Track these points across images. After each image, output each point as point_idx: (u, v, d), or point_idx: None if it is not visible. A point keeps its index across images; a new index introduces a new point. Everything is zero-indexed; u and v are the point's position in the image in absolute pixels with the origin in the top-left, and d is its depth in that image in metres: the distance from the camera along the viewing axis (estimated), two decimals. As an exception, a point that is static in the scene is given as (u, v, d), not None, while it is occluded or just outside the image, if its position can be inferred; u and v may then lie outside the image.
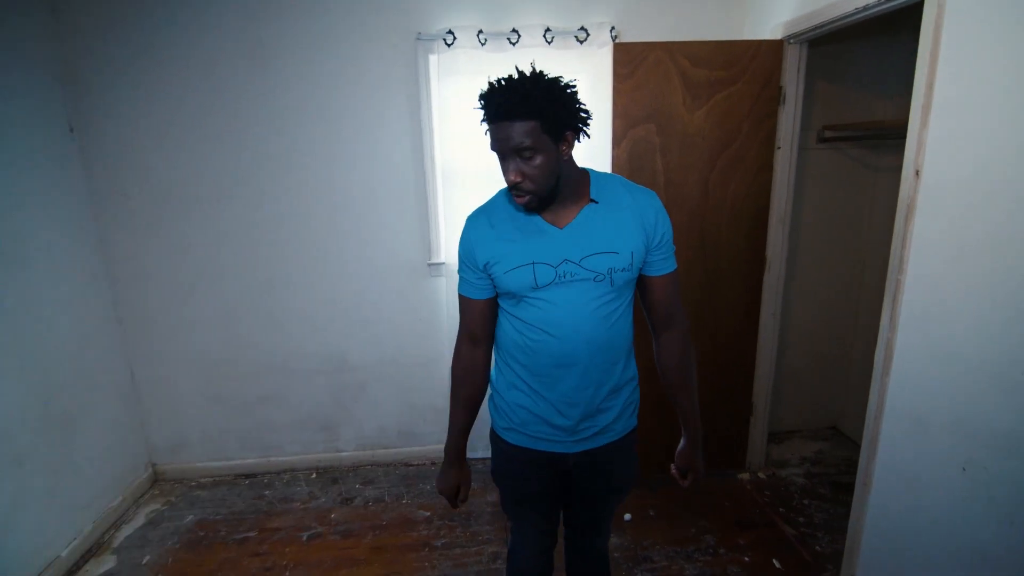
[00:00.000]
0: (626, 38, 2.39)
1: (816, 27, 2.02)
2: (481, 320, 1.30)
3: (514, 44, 2.34)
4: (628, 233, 1.19)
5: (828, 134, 2.62)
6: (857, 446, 2.87)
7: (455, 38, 2.31)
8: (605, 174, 1.27)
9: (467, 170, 2.44)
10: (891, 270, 1.68)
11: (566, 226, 1.18)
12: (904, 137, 2.48)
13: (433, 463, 2.83)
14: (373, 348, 2.71)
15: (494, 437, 1.38)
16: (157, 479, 2.79)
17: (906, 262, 1.63)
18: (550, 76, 1.09)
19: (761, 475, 2.63)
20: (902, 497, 1.69)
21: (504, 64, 2.13)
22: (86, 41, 2.28)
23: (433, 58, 2.39)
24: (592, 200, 1.20)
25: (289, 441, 2.79)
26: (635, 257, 1.20)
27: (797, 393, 2.97)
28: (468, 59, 2.33)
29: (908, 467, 1.67)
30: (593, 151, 2.28)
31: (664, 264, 1.25)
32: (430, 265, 2.62)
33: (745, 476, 2.62)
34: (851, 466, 2.70)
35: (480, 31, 2.32)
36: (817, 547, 2.18)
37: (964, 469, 1.49)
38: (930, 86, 1.52)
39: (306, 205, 2.53)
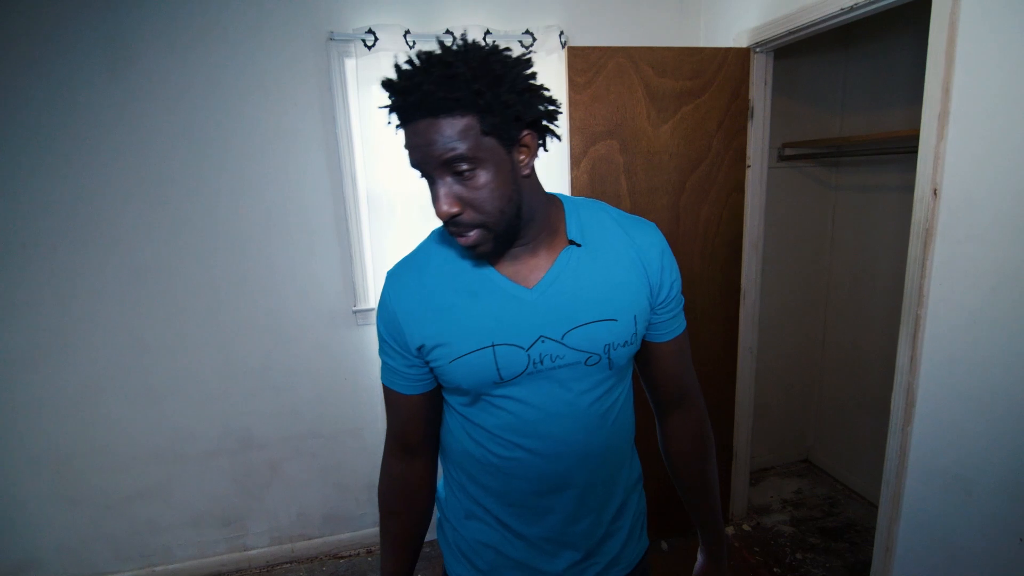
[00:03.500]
0: (575, 43, 2.10)
1: (788, 33, 1.82)
2: (417, 422, 0.88)
3: (449, 48, 1.98)
4: (628, 288, 0.82)
5: (788, 151, 2.45)
6: (833, 480, 2.70)
7: (377, 39, 1.91)
8: (584, 201, 0.89)
9: (398, 196, 2.02)
10: (907, 304, 1.46)
11: (537, 284, 0.80)
12: (872, 154, 2.40)
13: (369, 551, 2.32)
14: (286, 418, 2.19)
15: (449, 586, 0.96)
16: (-6, 611, 2.09)
17: (926, 294, 1.40)
18: (489, 46, 0.71)
19: (746, 527, 2.36)
20: (939, 569, 1.44)
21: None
22: None
23: (350, 63, 1.98)
24: (571, 242, 0.82)
25: (179, 544, 2.19)
26: (639, 323, 0.83)
27: (768, 428, 2.76)
28: (394, 65, 1.93)
29: (945, 533, 1.42)
30: (548, 173, 1.94)
31: (673, 324, 0.90)
32: (356, 312, 2.16)
33: (730, 530, 2.33)
34: (833, 505, 2.50)
35: (407, 32, 1.94)
36: (824, 616, 1.92)
37: (1022, 540, 1.25)
38: (946, 90, 1.31)
39: (191, 246, 2.00)
